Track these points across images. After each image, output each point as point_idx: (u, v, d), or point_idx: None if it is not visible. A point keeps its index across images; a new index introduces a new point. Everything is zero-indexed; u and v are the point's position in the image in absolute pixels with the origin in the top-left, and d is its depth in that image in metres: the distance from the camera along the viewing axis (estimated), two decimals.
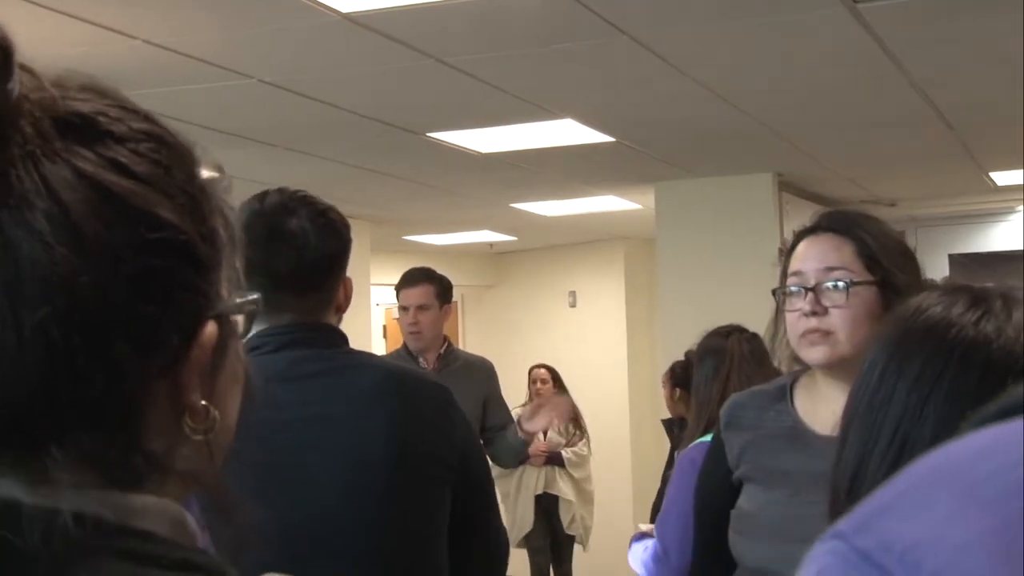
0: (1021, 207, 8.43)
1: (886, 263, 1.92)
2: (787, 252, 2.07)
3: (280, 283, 1.88)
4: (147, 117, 0.72)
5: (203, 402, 0.72)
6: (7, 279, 0.63)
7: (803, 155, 6.11)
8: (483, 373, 4.64)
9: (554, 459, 7.29)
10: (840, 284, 1.92)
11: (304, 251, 1.94)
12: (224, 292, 0.73)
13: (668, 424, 5.58)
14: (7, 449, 0.64)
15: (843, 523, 0.35)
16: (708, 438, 3.26)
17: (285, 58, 3.94)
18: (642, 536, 3.58)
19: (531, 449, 5.23)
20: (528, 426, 4.46)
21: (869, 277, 1.92)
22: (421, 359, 4.50)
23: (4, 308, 0.62)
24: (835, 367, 1.93)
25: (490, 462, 4.58)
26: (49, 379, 0.64)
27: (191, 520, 0.71)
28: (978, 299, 1.21)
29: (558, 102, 4.71)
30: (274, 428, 1.80)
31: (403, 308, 4.51)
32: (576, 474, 7.40)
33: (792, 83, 4.53)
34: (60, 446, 0.65)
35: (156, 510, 0.68)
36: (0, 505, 0.63)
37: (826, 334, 1.92)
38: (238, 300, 0.76)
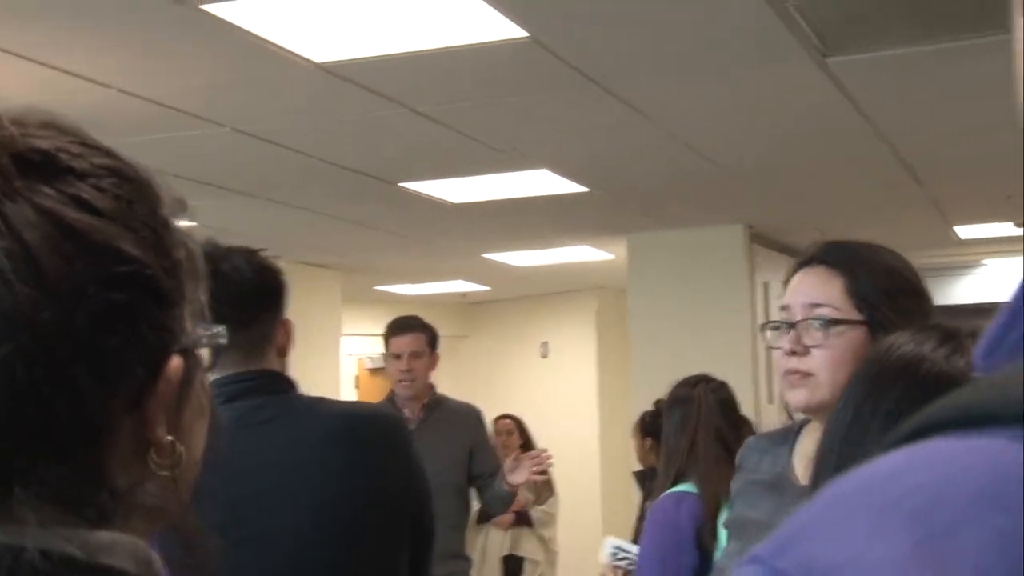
0: (986, 261, 8.52)
1: (878, 301, 1.75)
2: (784, 283, 1.91)
3: (219, 318, 1.89)
4: (108, 152, 0.72)
5: (169, 437, 0.71)
6: None
7: (773, 206, 6.16)
8: (470, 420, 4.62)
9: (523, 519, 7.15)
10: (818, 323, 1.76)
11: (241, 285, 1.95)
12: (188, 325, 0.73)
13: (640, 476, 5.56)
14: None
15: (760, 547, 0.34)
16: (680, 488, 3.26)
17: (259, 107, 3.94)
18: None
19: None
20: (511, 478, 4.44)
21: (856, 316, 1.74)
22: (406, 408, 4.48)
23: None
24: (816, 412, 1.76)
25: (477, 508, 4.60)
26: (14, 415, 0.63)
27: (156, 557, 0.70)
28: (948, 336, 1.22)
29: (531, 152, 4.73)
30: (231, 479, 1.79)
31: (395, 356, 4.48)
32: (544, 533, 7.27)
33: (762, 135, 4.57)
34: (26, 482, 0.64)
35: (122, 547, 0.68)
36: None
37: (806, 375, 1.75)
38: (203, 333, 0.75)
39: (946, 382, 1.16)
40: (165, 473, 0.71)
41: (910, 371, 1.20)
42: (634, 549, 3.95)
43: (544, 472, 4.52)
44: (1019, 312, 0.41)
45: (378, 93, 3.76)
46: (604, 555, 3.99)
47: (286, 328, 2.08)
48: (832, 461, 1.21)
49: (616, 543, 4.06)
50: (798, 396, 1.77)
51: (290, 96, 3.82)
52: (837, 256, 1.84)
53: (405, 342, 4.45)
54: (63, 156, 0.69)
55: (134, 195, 0.70)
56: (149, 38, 3.23)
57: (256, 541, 1.81)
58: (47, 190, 0.66)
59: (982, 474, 0.34)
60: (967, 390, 0.38)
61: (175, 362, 0.71)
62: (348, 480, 1.91)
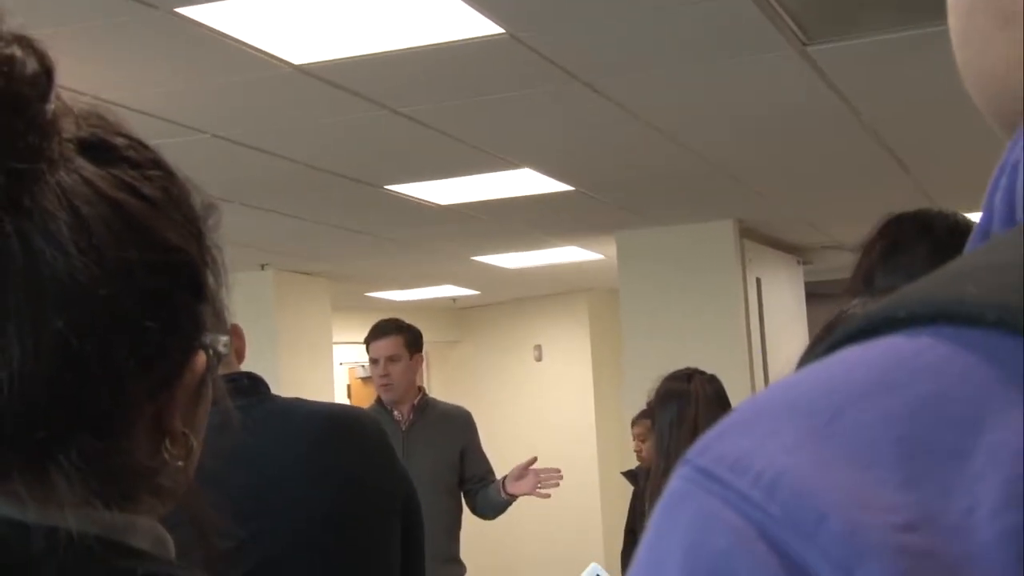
0: None
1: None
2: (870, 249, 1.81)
3: None
4: (154, 149, 0.77)
5: (184, 429, 0.75)
6: (29, 285, 0.65)
7: (762, 200, 6.14)
8: (460, 423, 4.59)
9: None
10: None
11: None
12: (211, 324, 0.77)
13: (631, 475, 5.54)
14: (17, 454, 0.66)
15: (689, 451, 0.38)
16: None
17: (237, 112, 3.92)
18: None
19: None
20: (512, 488, 4.41)
21: None
22: (396, 411, 4.45)
23: (25, 313, 0.65)
24: None
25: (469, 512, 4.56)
26: (62, 385, 0.66)
27: (169, 538, 0.74)
28: None
29: (516, 151, 4.71)
30: (215, 484, 1.77)
31: (373, 361, 4.46)
32: None
33: (747, 128, 4.55)
34: (64, 455, 0.66)
35: (142, 527, 0.71)
36: (3, 523, 0.65)
37: None
38: (220, 335, 0.79)
39: None
40: (179, 463, 0.74)
41: None
42: None
43: (548, 493, 4.49)
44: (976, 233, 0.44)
45: (357, 94, 3.73)
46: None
47: (237, 333, 2.08)
48: None
49: (599, 571, 4.04)
50: None
51: (269, 100, 3.79)
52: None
53: (381, 347, 4.42)
54: (119, 144, 0.73)
55: (177, 190, 0.75)
56: (124, 44, 3.20)
57: (247, 541, 1.79)
58: (103, 173, 0.70)
59: (873, 365, 0.37)
60: (872, 306, 0.40)
61: (200, 356, 0.75)
62: (329, 479, 1.90)
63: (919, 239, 1.69)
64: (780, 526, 0.34)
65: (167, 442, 0.74)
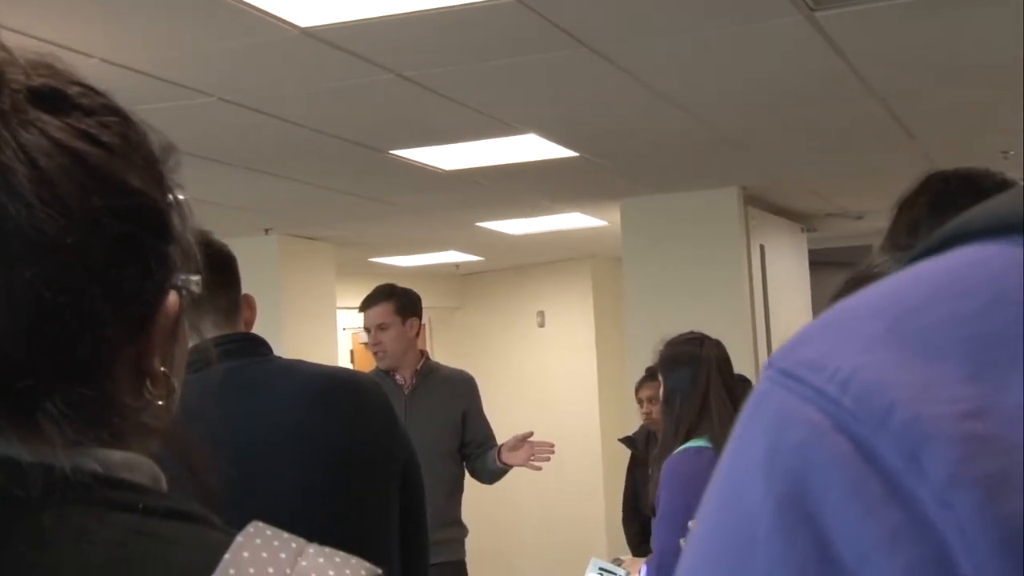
0: None
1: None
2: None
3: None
4: (106, 94, 0.76)
5: (163, 368, 0.76)
6: None
7: (767, 168, 6.13)
8: (463, 387, 4.61)
9: None
10: None
11: (206, 246, 1.96)
12: (180, 264, 0.78)
13: (629, 441, 5.55)
14: (2, 404, 0.67)
15: (772, 356, 0.41)
16: (694, 444, 3.26)
17: (244, 75, 3.91)
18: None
19: None
20: (506, 457, 4.46)
21: None
22: (398, 376, 4.46)
23: None
24: None
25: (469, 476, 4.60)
26: (38, 337, 0.67)
27: (163, 476, 0.75)
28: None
29: (520, 116, 4.70)
30: (217, 443, 1.78)
31: (366, 330, 4.49)
32: None
33: (754, 94, 4.54)
34: (52, 403, 0.67)
35: (136, 463, 0.72)
36: (0, 462, 0.66)
37: None
38: (190, 274, 0.79)
39: None
40: (160, 403, 0.76)
41: None
42: (620, 572, 3.97)
43: (539, 466, 4.53)
44: None
45: (363, 58, 3.72)
46: (588, 572, 4.01)
47: (249, 303, 2.12)
48: None
49: (602, 564, 4.07)
50: None
51: (275, 63, 3.78)
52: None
53: (370, 316, 4.45)
54: (72, 93, 0.73)
55: (134, 134, 0.75)
56: (129, 6, 3.19)
57: (244, 501, 1.80)
58: (58, 123, 0.70)
59: (943, 272, 0.40)
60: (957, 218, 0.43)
61: (172, 297, 0.76)
62: (327, 439, 1.92)
63: (967, 194, 1.69)
64: (853, 417, 0.37)
65: (148, 382, 0.75)
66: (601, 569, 4.22)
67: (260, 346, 2.04)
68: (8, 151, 0.67)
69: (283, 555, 0.68)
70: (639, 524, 5.03)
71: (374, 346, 4.44)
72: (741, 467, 0.40)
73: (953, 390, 0.36)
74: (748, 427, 0.40)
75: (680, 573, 0.41)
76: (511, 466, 4.51)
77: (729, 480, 0.40)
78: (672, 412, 3.37)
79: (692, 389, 3.34)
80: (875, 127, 5.19)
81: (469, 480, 4.63)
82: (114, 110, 0.75)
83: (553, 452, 4.54)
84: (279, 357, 2.06)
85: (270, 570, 0.67)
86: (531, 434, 4.52)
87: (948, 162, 1.90)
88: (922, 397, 0.36)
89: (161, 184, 0.76)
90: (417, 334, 4.55)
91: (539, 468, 4.55)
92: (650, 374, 5.13)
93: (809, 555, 0.36)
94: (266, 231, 7.11)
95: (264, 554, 0.68)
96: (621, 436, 5.80)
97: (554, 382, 9.60)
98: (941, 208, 1.71)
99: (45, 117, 0.70)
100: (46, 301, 0.66)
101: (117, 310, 0.70)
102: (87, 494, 0.67)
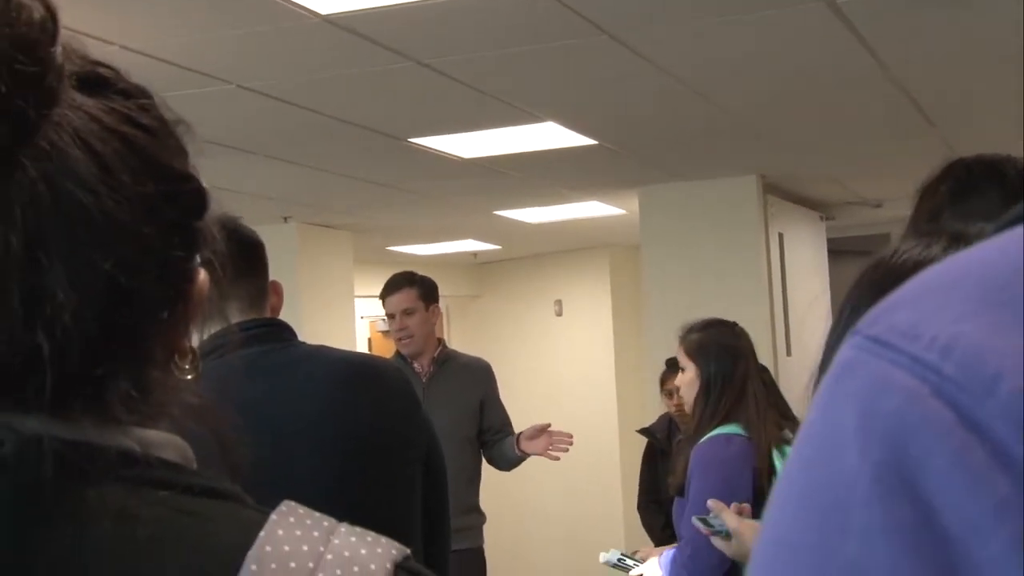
0: None
1: None
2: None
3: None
4: (130, 76, 0.76)
5: (190, 344, 0.77)
6: (68, 228, 0.65)
7: (786, 156, 6.11)
8: (480, 374, 4.62)
9: None
10: None
11: (234, 233, 1.97)
12: (208, 240, 0.78)
13: (649, 432, 5.51)
14: (79, 388, 0.67)
15: (859, 323, 0.40)
16: (725, 430, 3.26)
17: (264, 62, 3.91)
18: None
19: None
20: (525, 446, 4.47)
21: None
22: (416, 364, 4.48)
23: (69, 256, 0.65)
24: None
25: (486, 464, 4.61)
26: (110, 323, 0.67)
27: (192, 453, 0.75)
28: (956, 240, 1.18)
29: (539, 104, 4.69)
30: (244, 424, 1.79)
31: (389, 316, 4.49)
32: None
33: (773, 81, 4.52)
34: (119, 385, 0.68)
35: (169, 442, 0.72)
36: (35, 440, 0.65)
37: None
38: (217, 247, 0.80)
39: None
40: (190, 376, 0.76)
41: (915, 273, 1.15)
42: (632, 564, 3.97)
43: (558, 456, 4.54)
44: None
45: (383, 45, 3.72)
46: (604, 557, 4.01)
47: (276, 289, 2.12)
48: (822, 359, 1.17)
49: (620, 554, 4.07)
50: None
51: (296, 50, 3.79)
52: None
53: (395, 301, 4.45)
54: (110, 76, 0.73)
55: (167, 115, 0.75)
56: None
57: (265, 484, 1.81)
58: (103, 107, 0.70)
59: None
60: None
61: (202, 272, 0.76)
62: (350, 425, 1.92)
63: (991, 182, 1.69)
64: (955, 385, 0.36)
65: (176, 357, 0.76)
66: (621, 556, 4.22)
67: (284, 332, 2.05)
68: (66, 136, 0.67)
69: (316, 534, 0.69)
70: (664, 517, 4.93)
71: (399, 331, 4.44)
72: (829, 435, 0.39)
73: None
74: (834, 395, 0.39)
75: (764, 543, 0.40)
76: (529, 454, 4.52)
77: (815, 449, 0.39)
78: (710, 398, 3.37)
79: (733, 376, 3.35)
80: (895, 114, 5.16)
81: (486, 468, 4.64)
82: (146, 92, 0.75)
83: (571, 443, 4.54)
84: (303, 343, 2.07)
85: (304, 548, 0.67)
86: (549, 425, 4.53)
87: (968, 149, 1.89)
88: None
89: (190, 163, 0.76)
90: (435, 322, 4.57)
91: (557, 458, 4.55)
92: (673, 366, 5.10)
93: (910, 523, 0.35)
94: (285, 219, 7.12)
95: (298, 532, 0.68)
96: (639, 425, 5.79)
97: (572, 371, 9.60)
98: (963, 195, 1.70)
99: (89, 101, 0.70)
100: (119, 287, 0.67)
101: (168, 291, 0.71)
102: (126, 473, 0.67)
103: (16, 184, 0.64)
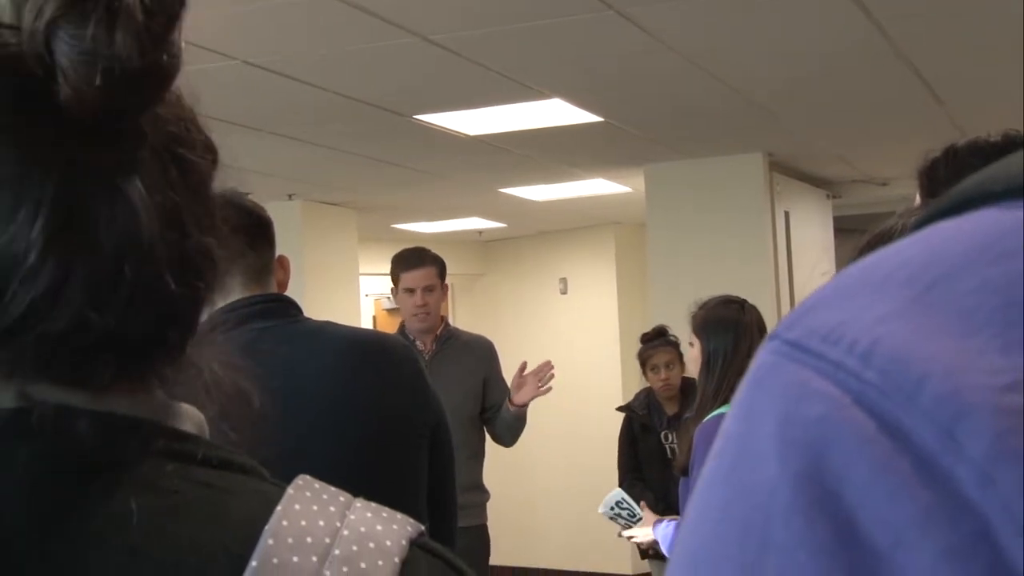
0: None
1: None
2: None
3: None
4: None
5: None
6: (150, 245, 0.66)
7: (793, 133, 6.08)
8: (483, 352, 4.62)
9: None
10: None
11: (237, 208, 1.96)
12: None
13: (628, 409, 5.47)
14: (130, 355, 0.67)
15: (777, 327, 0.38)
16: (725, 409, 3.26)
17: (269, 38, 3.89)
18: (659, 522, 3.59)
19: None
20: (517, 398, 4.45)
21: None
22: (419, 341, 4.47)
23: (144, 279, 0.65)
24: None
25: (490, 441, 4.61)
26: (174, 311, 0.68)
27: (206, 424, 0.75)
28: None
29: (546, 80, 4.67)
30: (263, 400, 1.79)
31: (408, 291, 4.46)
32: None
33: (781, 58, 4.50)
34: (160, 365, 0.69)
35: (186, 413, 0.72)
36: (62, 411, 0.65)
37: None
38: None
39: None
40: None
41: None
42: (637, 510, 3.96)
43: (550, 387, 4.50)
44: None
45: (389, 21, 3.70)
46: (604, 505, 4.01)
47: (283, 264, 2.11)
48: None
49: (621, 495, 4.06)
50: None
51: (301, 26, 3.77)
52: None
53: (418, 276, 4.43)
54: None
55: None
56: None
57: (276, 460, 1.81)
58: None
59: (972, 237, 0.37)
60: (964, 181, 0.41)
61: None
62: (357, 401, 1.92)
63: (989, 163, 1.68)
64: (877, 391, 0.34)
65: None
66: (621, 498, 4.23)
67: (291, 307, 2.04)
68: (156, 163, 0.68)
69: (332, 508, 0.69)
70: (651, 494, 4.87)
71: (420, 307, 4.43)
72: (748, 444, 0.37)
73: (990, 361, 0.33)
74: (753, 400, 0.38)
75: (683, 552, 0.38)
76: (525, 405, 4.48)
77: (735, 457, 0.37)
78: (712, 376, 3.36)
79: (735, 353, 3.34)
80: (902, 92, 5.14)
81: (490, 445, 4.64)
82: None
83: (553, 370, 4.51)
84: (309, 319, 2.06)
85: (321, 523, 0.67)
86: (525, 365, 4.51)
87: (975, 128, 1.88)
88: (956, 369, 0.33)
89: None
90: (443, 300, 4.59)
91: (550, 388, 4.51)
92: (656, 335, 5.06)
93: (833, 536, 0.33)
94: (289, 196, 7.11)
95: (314, 507, 0.68)
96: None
97: (576, 349, 9.59)
98: (960, 176, 1.69)
99: None
100: (192, 264, 0.68)
101: (211, 286, 0.72)
102: (149, 444, 0.67)
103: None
